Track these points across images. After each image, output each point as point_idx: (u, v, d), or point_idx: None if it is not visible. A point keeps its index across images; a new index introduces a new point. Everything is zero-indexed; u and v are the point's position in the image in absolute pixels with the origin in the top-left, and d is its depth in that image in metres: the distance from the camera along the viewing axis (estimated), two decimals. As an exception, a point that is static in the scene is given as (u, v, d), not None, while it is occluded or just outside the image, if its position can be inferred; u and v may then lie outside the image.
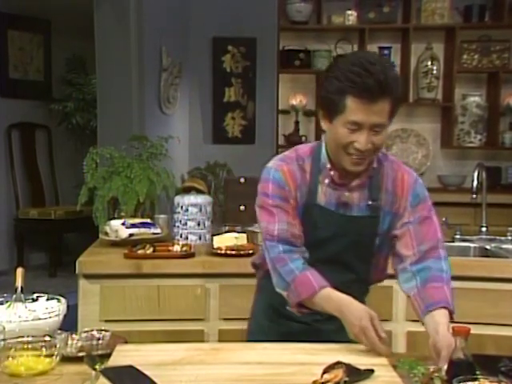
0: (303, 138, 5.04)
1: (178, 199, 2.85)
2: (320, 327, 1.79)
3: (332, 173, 1.73)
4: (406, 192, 1.76)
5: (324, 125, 1.71)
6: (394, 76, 1.62)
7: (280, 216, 1.72)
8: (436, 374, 1.40)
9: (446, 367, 1.43)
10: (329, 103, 1.65)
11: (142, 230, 2.78)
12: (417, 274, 1.71)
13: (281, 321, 1.84)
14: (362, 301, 1.76)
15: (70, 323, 1.84)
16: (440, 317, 1.59)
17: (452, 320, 1.62)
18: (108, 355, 1.52)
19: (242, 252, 2.59)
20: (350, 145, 1.64)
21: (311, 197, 1.74)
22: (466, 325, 1.47)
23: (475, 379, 1.33)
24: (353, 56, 1.73)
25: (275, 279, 1.73)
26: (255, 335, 1.89)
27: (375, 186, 1.75)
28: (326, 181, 1.74)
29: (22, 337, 1.47)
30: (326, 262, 1.74)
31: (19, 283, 1.75)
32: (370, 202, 1.74)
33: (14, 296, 1.72)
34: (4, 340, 1.46)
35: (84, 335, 1.65)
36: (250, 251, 2.59)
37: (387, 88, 1.58)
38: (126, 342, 1.68)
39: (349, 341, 1.64)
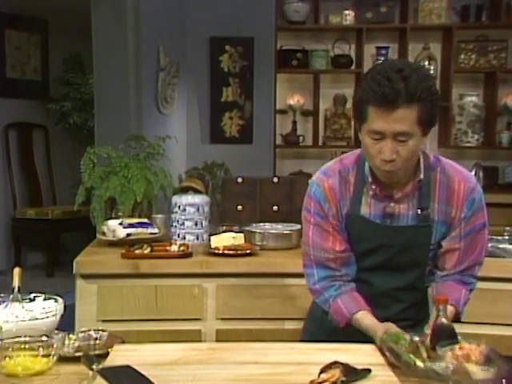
0: (301, 138, 5.04)
1: (175, 199, 2.85)
2: None
3: (374, 186, 1.70)
4: (462, 202, 1.69)
5: (359, 134, 1.68)
6: (419, 82, 1.53)
7: (316, 238, 1.75)
8: (420, 344, 1.44)
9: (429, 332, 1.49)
10: (356, 112, 1.64)
11: (140, 229, 2.78)
12: (443, 278, 1.77)
13: None
14: (419, 315, 1.79)
15: (67, 323, 1.84)
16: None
17: (457, 320, 1.69)
18: (105, 355, 1.52)
19: (239, 252, 2.59)
20: (376, 156, 1.60)
21: (354, 208, 1.72)
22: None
23: (456, 343, 1.41)
24: (383, 64, 1.71)
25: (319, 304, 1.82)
26: (310, 328, 1.94)
27: (425, 194, 1.69)
28: (370, 193, 1.71)
29: (19, 337, 1.47)
30: (378, 270, 1.76)
31: (16, 283, 1.75)
32: (419, 212, 1.70)
33: (11, 296, 1.71)
34: (1, 340, 1.45)
35: (81, 335, 1.65)
36: (248, 251, 2.60)
37: (407, 95, 1.51)
38: (124, 342, 1.68)
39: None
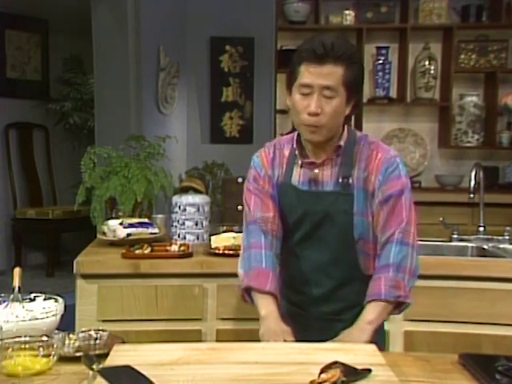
0: (301, 138, 5.04)
1: (175, 199, 2.85)
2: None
3: (302, 152, 1.83)
4: (377, 169, 1.78)
5: (288, 102, 1.81)
6: (346, 48, 1.70)
7: (259, 203, 1.87)
8: None
9: None
10: (289, 75, 1.79)
11: (140, 229, 2.78)
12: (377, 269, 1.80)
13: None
14: (356, 297, 1.80)
15: (67, 323, 1.84)
16: (366, 312, 1.71)
17: (401, 306, 1.73)
18: (105, 355, 1.51)
19: (239, 252, 2.58)
20: (303, 111, 1.72)
21: (287, 178, 1.85)
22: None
23: None
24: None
25: (243, 259, 1.87)
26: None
27: (347, 163, 1.80)
28: (300, 162, 1.84)
29: (20, 337, 1.47)
30: (306, 241, 1.84)
31: (16, 283, 1.75)
32: (340, 179, 1.79)
33: (12, 296, 1.72)
34: (1, 340, 1.45)
35: (81, 335, 1.65)
36: (248, 251, 2.59)
37: (335, 55, 1.67)
38: (124, 342, 1.67)
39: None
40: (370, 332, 1.68)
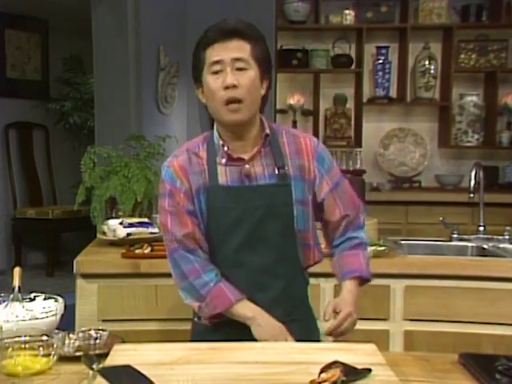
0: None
1: (175, 199, 2.85)
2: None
3: (226, 148, 1.72)
4: (312, 155, 1.76)
5: (201, 96, 1.76)
6: (248, 25, 1.71)
7: (177, 222, 1.72)
8: None
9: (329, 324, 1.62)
10: (193, 66, 1.75)
11: (140, 229, 2.78)
12: (338, 246, 1.84)
13: None
14: (301, 294, 1.81)
15: (67, 323, 1.84)
16: (350, 285, 1.75)
17: (365, 283, 1.81)
18: (105, 355, 1.51)
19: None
20: (219, 89, 1.65)
21: (212, 180, 1.71)
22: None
23: None
24: None
25: (185, 292, 1.75)
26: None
27: (278, 153, 1.73)
28: (223, 160, 1.72)
29: (20, 336, 1.47)
30: (247, 244, 1.71)
31: (16, 283, 1.75)
32: (276, 171, 1.71)
33: (12, 295, 1.72)
34: (1, 340, 1.45)
35: (81, 335, 1.65)
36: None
37: (239, 28, 1.67)
38: (124, 342, 1.67)
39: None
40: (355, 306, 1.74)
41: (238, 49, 1.66)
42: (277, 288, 1.74)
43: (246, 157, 1.72)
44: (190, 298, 1.75)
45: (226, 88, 1.65)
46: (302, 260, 1.78)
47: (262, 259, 1.71)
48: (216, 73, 1.67)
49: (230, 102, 1.66)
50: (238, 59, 1.66)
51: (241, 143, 1.73)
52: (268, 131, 1.74)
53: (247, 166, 1.72)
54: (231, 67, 1.65)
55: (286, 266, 1.75)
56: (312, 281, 1.89)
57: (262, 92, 1.73)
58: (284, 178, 1.72)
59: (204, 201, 1.72)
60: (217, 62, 1.66)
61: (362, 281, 1.80)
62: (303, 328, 1.76)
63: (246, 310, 1.70)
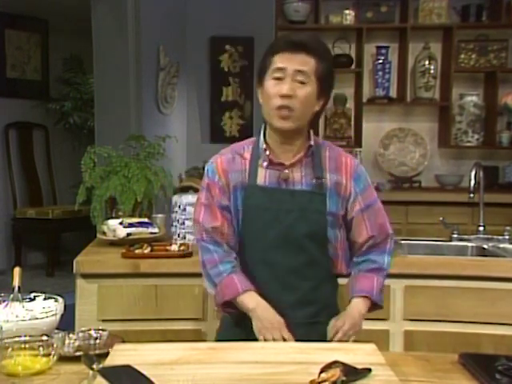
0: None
1: (175, 198, 2.85)
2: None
3: (267, 152, 1.80)
4: (350, 175, 1.82)
5: (260, 95, 1.82)
6: (320, 44, 1.78)
7: (208, 214, 1.82)
8: None
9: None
10: (260, 68, 1.80)
11: (140, 229, 2.78)
12: (358, 265, 1.87)
13: None
14: (328, 297, 1.85)
15: (67, 323, 1.84)
16: (357, 302, 1.80)
17: (375, 309, 1.85)
18: (105, 355, 1.52)
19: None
20: (275, 96, 1.73)
21: (251, 179, 1.80)
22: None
23: None
24: None
25: (205, 280, 1.85)
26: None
27: (318, 165, 1.81)
28: (265, 163, 1.81)
29: (20, 336, 1.47)
30: (277, 244, 1.78)
31: (16, 283, 1.75)
32: (314, 180, 1.78)
33: (12, 295, 1.72)
34: (1, 340, 1.45)
35: (81, 335, 1.65)
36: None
37: (309, 47, 1.72)
38: (124, 342, 1.68)
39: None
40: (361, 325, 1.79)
41: (302, 62, 1.72)
42: (304, 290, 1.81)
43: (287, 162, 1.80)
44: (208, 285, 1.84)
45: (282, 96, 1.72)
46: (332, 268, 1.86)
47: (290, 260, 1.79)
48: (277, 79, 1.74)
49: (282, 107, 1.73)
50: (300, 71, 1.72)
51: (285, 149, 1.81)
52: (312, 143, 1.82)
53: (286, 170, 1.80)
54: (292, 78, 1.72)
55: (314, 269, 1.82)
56: (344, 281, 1.92)
57: (317, 108, 1.80)
58: (320, 188, 1.79)
59: (241, 198, 1.80)
60: (280, 69, 1.73)
61: (372, 304, 1.83)
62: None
63: (250, 300, 1.75)
